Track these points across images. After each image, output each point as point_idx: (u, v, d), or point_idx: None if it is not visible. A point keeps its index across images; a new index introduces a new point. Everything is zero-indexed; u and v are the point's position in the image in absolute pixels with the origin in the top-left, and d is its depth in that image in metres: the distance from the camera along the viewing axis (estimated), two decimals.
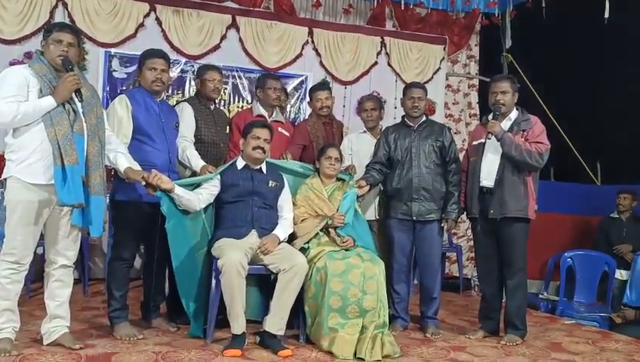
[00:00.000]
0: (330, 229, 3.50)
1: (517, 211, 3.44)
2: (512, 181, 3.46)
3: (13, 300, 2.84)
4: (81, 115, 2.87)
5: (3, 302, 2.81)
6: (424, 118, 3.84)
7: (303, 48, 5.72)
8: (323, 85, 4.42)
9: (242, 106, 5.40)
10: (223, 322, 3.22)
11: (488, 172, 3.52)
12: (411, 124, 3.81)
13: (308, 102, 4.45)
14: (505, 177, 3.46)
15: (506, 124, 3.55)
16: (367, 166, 3.82)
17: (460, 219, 3.85)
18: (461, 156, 3.93)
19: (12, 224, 2.78)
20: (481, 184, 3.54)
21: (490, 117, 3.53)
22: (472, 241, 5.92)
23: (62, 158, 2.72)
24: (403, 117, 3.90)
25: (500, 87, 3.55)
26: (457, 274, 5.60)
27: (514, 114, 3.59)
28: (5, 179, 2.80)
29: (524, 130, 3.50)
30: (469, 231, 5.91)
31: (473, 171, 3.61)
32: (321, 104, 4.07)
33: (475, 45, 6.51)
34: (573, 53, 6.20)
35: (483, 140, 3.55)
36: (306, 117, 4.66)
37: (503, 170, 3.47)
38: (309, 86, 5.34)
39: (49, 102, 2.75)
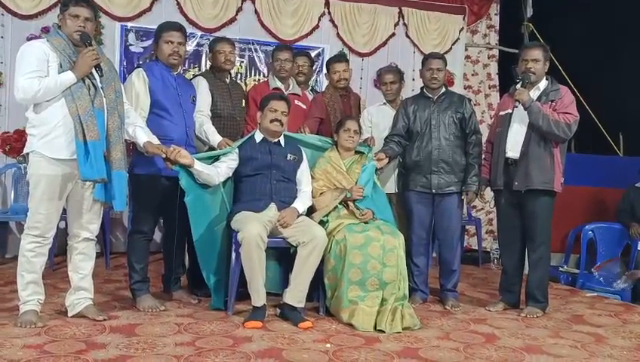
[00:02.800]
0: (349, 202, 3.49)
1: (542, 183, 3.39)
2: (538, 153, 3.39)
3: (38, 273, 2.88)
4: (101, 90, 2.87)
5: (28, 274, 2.86)
6: (443, 90, 3.77)
7: (319, 20, 5.63)
8: (340, 57, 4.36)
9: (258, 79, 5.36)
10: (244, 294, 3.25)
11: (514, 143, 3.46)
12: (430, 96, 3.74)
13: (325, 75, 4.40)
14: (530, 149, 3.40)
15: (534, 94, 3.47)
16: (386, 138, 3.78)
17: (480, 192, 3.79)
18: (481, 128, 3.87)
19: (35, 198, 2.81)
20: (506, 155, 3.49)
21: (518, 85, 3.44)
22: (491, 214, 5.93)
23: (84, 134, 2.73)
24: (422, 88, 3.83)
25: (531, 54, 3.45)
26: (476, 247, 5.59)
27: (543, 83, 3.50)
28: (27, 154, 2.83)
29: (552, 101, 3.42)
30: (488, 205, 5.88)
31: (499, 142, 3.55)
32: (339, 76, 4.01)
33: (495, 14, 6.34)
34: (596, 22, 6.04)
35: (510, 110, 3.48)
36: (323, 89, 4.61)
37: (529, 141, 3.41)
38: (326, 58, 5.27)
39: (70, 77, 2.74)
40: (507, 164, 3.49)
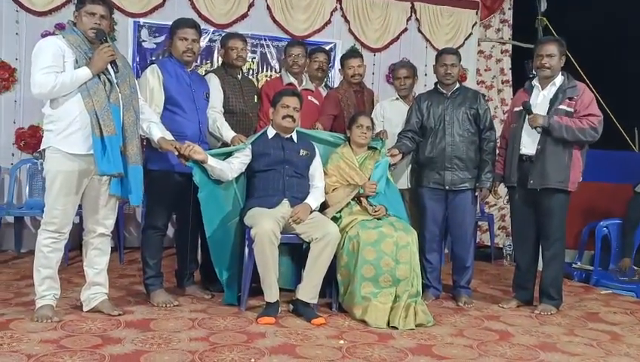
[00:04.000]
0: (361, 198, 3.48)
1: (558, 183, 3.36)
2: (555, 151, 3.37)
3: (54, 268, 2.91)
4: (116, 85, 2.88)
5: (44, 270, 2.88)
6: (457, 85, 3.74)
7: (331, 15, 5.60)
8: (355, 53, 4.36)
9: (270, 75, 5.35)
10: (256, 290, 3.27)
11: (529, 140, 3.44)
12: (444, 92, 3.72)
13: (339, 70, 4.40)
14: (547, 146, 3.38)
15: (550, 90, 3.44)
16: (400, 134, 3.76)
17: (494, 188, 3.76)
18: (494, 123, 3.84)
19: (52, 194, 2.83)
20: (521, 152, 3.47)
21: (532, 82, 3.42)
22: (504, 210, 5.90)
23: (100, 129, 2.75)
24: (436, 84, 3.80)
25: (545, 49, 3.41)
26: (489, 243, 5.56)
27: (559, 79, 3.46)
28: (44, 150, 2.85)
29: (570, 98, 3.38)
30: (500, 201, 5.84)
31: (513, 138, 3.52)
32: (353, 72, 4.00)
33: (509, 9, 6.27)
34: (611, 16, 5.97)
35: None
36: (336, 85, 4.60)
37: (545, 138, 3.38)
38: (338, 54, 5.26)
39: (85, 72, 2.76)
40: (521, 161, 3.47)
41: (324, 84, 4.30)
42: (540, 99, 3.45)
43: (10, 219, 4.67)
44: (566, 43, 3.54)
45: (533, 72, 3.48)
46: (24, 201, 4.71)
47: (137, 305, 3.24)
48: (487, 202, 5.65)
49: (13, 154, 4.82)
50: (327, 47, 5.42)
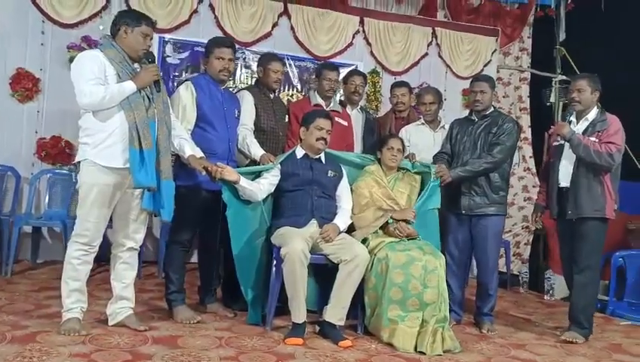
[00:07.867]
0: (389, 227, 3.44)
1: (593, 211, 3.41)
2: (587, 181, 3.43)
3: (82, 281, 2.90)
4: (153, 101, 2.90)
5: (73, 282, 2.87)
6: (490, 110, 3.73)
7: (353, 37, 5.65)
8: (400, 82, 4.52)
9: (292, 95, 5.39)
10: (280, 310, 3.25)
11: (565, 172, 3.51)
12: (474, 118, 3.75)
13: (389, 98, 4.56)
14: (580, 178, 3.44)
15: (582, 125, 3.52)
16: (435, 156, 3.80)
17: (508, 215, 3.77)
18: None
19: (86, 206, 2.83)
20: (559, 185, 3.54)
21: (569, 115, 3.56)
22: (519, 237, 5.88)
23: (140, 141, 2.76)
24: (471, 110, 3.85)
25: (576, 84, 3.52)
26: (504, 270, 5.52)
27: (592, 114, 3.53)
28: (79, 162, 2.85)
29: (599, 132, 3.44)
30: (515, 227, 5.85)
31: (552, 172, 3.60)
32: (396, 100, 4.27)
33: (528, 37, 6.35)
34: (631, 48, 6.01)
35: (562, 141, 3.52)
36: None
37: (577, 170, 3.45)
38: None
39: (131, 86, 2.80)
40: (560, 193, 3.53)
41: (359, 107, 4.33)
42: None
43: (28, 228, 4.64)
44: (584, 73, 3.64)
45: (551, 100, 3.58)
46: (43, 212, 4.69)
47: (161, 320, 3.22)
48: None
49: (33, 164, 4.80)
50: (349, 69, 5.46)
